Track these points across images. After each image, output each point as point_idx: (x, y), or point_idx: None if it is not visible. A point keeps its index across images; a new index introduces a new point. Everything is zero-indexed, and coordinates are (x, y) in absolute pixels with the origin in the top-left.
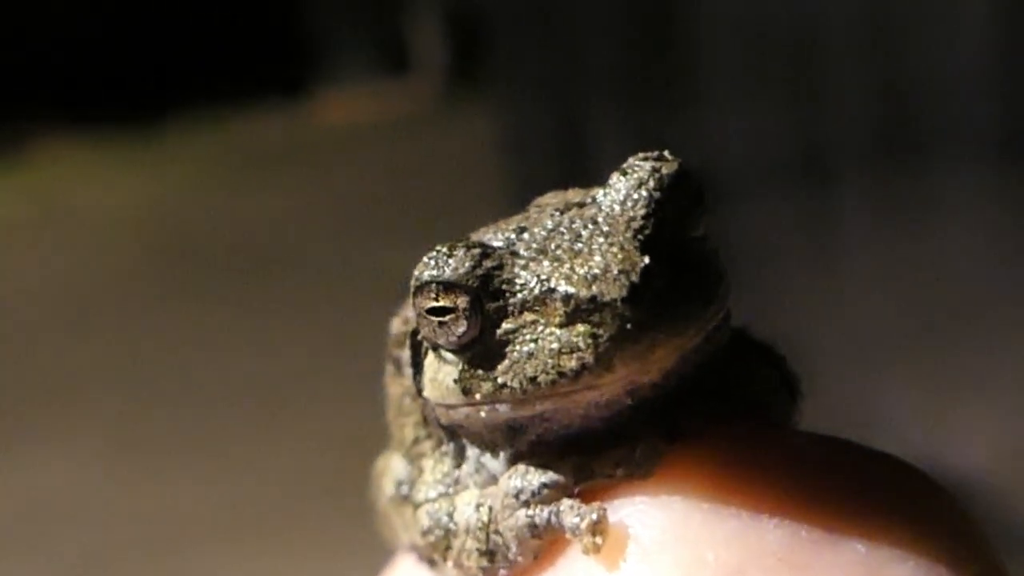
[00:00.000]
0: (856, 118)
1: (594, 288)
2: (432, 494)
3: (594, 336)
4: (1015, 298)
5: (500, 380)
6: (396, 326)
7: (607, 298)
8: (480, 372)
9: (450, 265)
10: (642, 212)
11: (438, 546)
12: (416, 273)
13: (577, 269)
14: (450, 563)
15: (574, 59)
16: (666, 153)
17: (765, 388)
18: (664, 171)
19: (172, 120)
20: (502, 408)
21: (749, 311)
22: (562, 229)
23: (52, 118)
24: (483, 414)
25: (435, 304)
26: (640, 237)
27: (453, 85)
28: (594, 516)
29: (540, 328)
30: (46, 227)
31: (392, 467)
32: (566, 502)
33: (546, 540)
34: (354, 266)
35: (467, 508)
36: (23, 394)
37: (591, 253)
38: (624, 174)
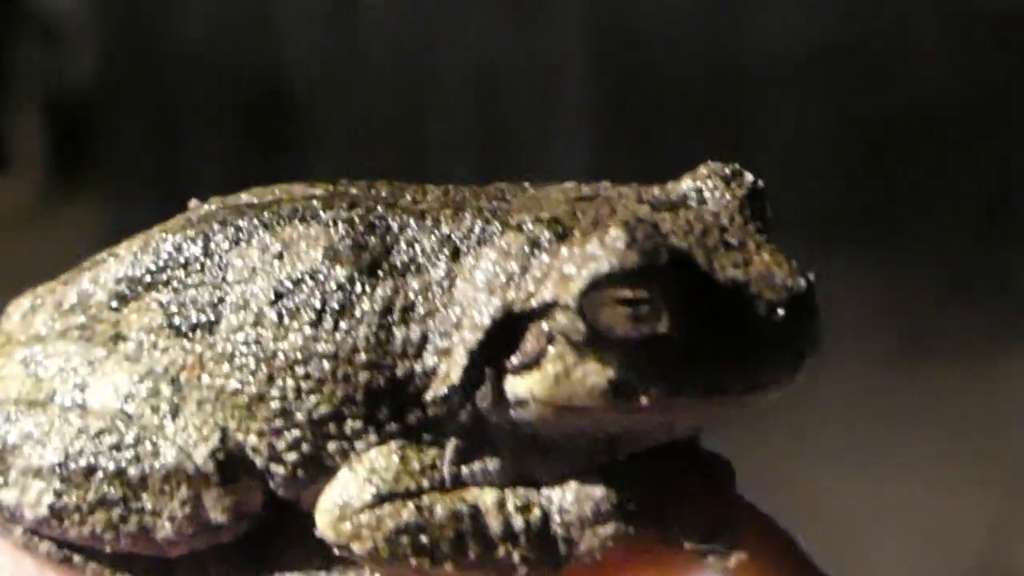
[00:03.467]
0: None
1: (795, 302)
2: (413, 486)
3: (791, 350)
4: None
5: (676, 384)
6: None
7: (807, 319)
8: (651, 373)
9: (658, 256)
10: (759, 223)
11: (440, 543)
12: (614, 260)
13: (775, 278)
14: (447, 566)
15: (180, 150)
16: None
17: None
18: (759, 184)
19: None
20: (664, 415)
21: None
22: (693, 227)
23: None
24: (623, 420)
25: (628, 295)
26: (773, 246)
27: (54, 179)
28: (742, 556)
29: (732, 333)
30: None
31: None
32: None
33: (626, 553)
34: None
35: (503, 507)
36: None
37: (758, 260)
38: (726, 181)
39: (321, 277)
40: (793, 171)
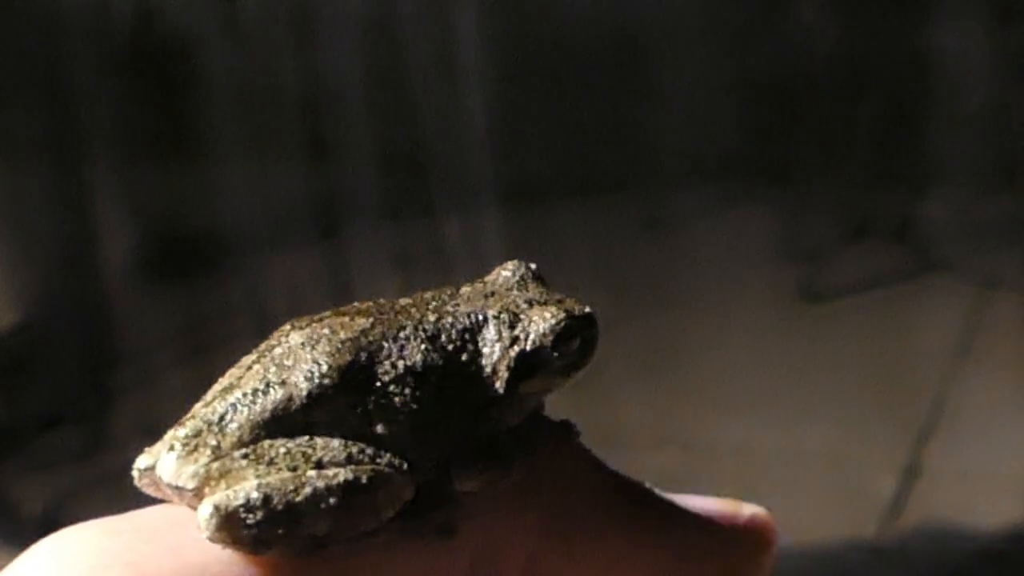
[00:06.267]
0: (366, 170)
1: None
2: None
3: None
4: None
5: (573, 370)
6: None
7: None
8: (566, 368)
9: (575, 318)
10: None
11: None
12: (559, 322)
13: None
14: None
15: (68, 113)
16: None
17: None
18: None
19: None
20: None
21: None
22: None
23: None
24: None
25: (566, 337)
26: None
27: None
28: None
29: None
30: None
31: None
32: None
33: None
34: None
35: None
36: None
37: (567, 304)
38: (526, 267)
39: (418, 369)
40: (694, 120)
